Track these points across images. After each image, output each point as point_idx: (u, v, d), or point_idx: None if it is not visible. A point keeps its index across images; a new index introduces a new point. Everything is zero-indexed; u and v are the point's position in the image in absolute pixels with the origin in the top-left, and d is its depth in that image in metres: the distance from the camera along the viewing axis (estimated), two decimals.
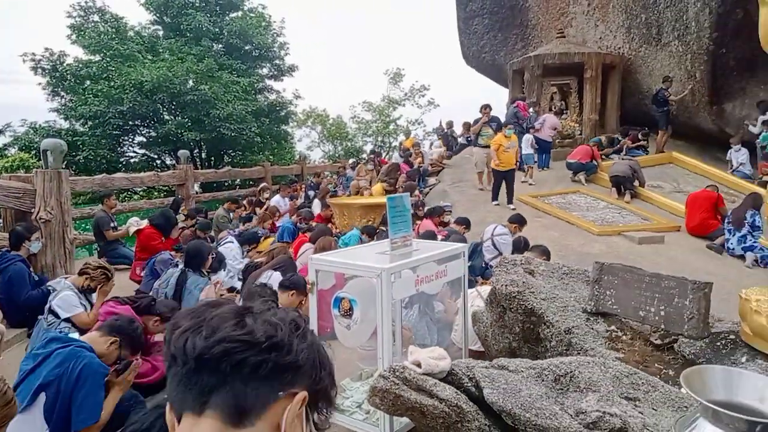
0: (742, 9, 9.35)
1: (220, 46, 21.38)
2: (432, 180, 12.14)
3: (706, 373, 1.73)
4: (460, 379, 2.26)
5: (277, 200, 11.12)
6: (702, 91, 10.81)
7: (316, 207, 10.15)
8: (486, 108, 10.80)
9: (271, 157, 21.95)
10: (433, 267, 2.91)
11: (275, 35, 22.54)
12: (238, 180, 18.65)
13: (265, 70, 23.10)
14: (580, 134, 12.58)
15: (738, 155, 10.63)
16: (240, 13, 22.12)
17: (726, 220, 7.90)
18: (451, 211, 8.28)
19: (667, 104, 11.12)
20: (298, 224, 8.31)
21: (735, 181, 10.14)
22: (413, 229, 7.02)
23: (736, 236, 7.58)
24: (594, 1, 12.52)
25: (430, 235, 5.89)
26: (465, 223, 7.12)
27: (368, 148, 30.13)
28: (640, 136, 11.87)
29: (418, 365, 2.25)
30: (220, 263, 5.95)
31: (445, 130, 16.29)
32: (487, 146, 10.29)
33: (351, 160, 17.70)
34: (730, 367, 2.01)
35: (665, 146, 11.69)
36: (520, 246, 5.79)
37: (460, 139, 15.56)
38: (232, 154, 21.99)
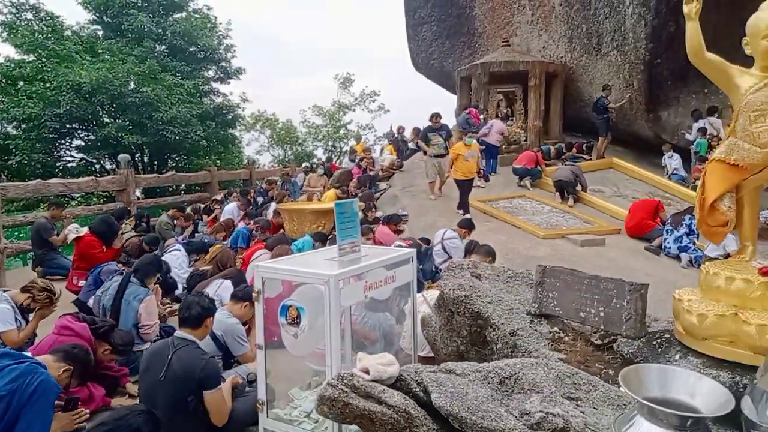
0: (674, 22, 9.88)
1: (164, 47, 20.75)
2: (383, 185, 12.18)
3: (642, 371, 1.81)
4: (408, 384, 2.26)
5: (232, 209, 10.61)
6: (639, 99, 11.34)
7: (271, 213, 9.96)
8: (436, 117, 10.64)
9: (217, 161, 21.47)
10: (382, 272, 2.90)
11: (221, 37, 22.12)
12: (183, 185, 18.13)
13: (210, 73, 22.61)
14: (526, 140, 12.94)
15: (671, 161, 11.24)
16: (184, 14, 21.55)
17: (666, 223, 8.31)
18: (407, 220, 8.32)
19: (606, 112, 11.61)
20: (254, 231, 8.16)
21: (671, 185, 10.69)
22: (371, 234, 7.10)
23: (673, 236, 7.97)
24: (537, 11, 12.93)
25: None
26: (468, 226, 7.34)
27: (319, 152, 29.99)
28: (584, 148, 12.37)
29: (367, 372, 2.23)
30: (170, 287, 5.80)
31: (396, 136, 16.40)
32: (440, 155, 10.18)
33: (305, 164, 17.49)
34: (664, 365, 2.10)
35: (605, 152, 12.19)
36: (470, 250, 5.89)
37: (410, 144, 15.71)
38: (177, 159, 21.38)
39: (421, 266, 6.67)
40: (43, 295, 4.01)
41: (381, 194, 11.51)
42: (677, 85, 10.96)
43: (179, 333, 3.21)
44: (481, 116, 12.31)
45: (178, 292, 6.07)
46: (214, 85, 22.93)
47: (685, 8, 2.13)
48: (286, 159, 29.87)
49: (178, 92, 18.46)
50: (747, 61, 2.21)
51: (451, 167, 9.66)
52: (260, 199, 11.80)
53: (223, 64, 22.50)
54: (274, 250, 5.58)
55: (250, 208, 10.84)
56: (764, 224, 8.34)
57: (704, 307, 2.10)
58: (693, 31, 2.13)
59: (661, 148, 11.52)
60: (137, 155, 19.71)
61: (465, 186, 9.48)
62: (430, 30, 16.01)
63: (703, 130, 10.53)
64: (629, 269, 7.49)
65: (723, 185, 2.10)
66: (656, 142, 11.73)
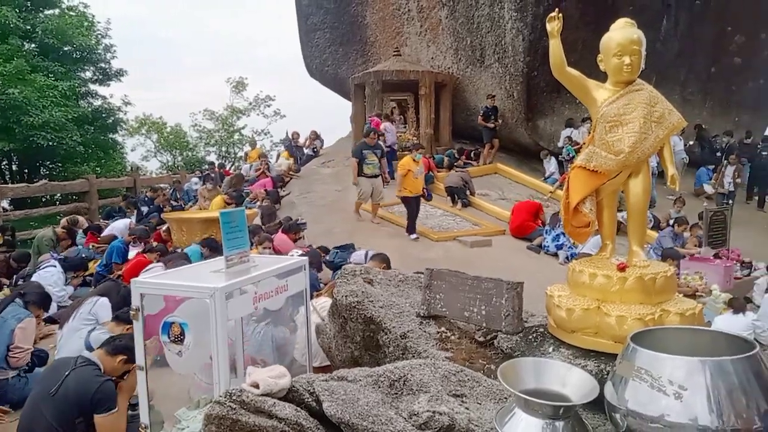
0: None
1: (33, 45, 18.93)
2: (280, 192, 11.98)
3: (518, 365, 1.92)
4: (301, 395, 2.23)
5: (122, 228, 9.23)
6: (519, 109, 12.16)
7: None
8: (373, 133, 9.91)
9: (97, 168, 19.88)
10: (274, 282, 2.84)
11: (99, 36, 20.57)
12: (59, 195, 16.57)
13: (88, 74, 20.94)
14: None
15: (549, 165, 12.20)
16: (57, 11, 19.79)
17: (545, 224, 8.98)
18: (305, 228, 8.23)
19: (489, 120, 12.37)
20: (131, 243, 7.61)
21: (548, 188, 11.59)
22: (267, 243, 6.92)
23: (551, 235, 8.63)
24: (425, 23, 13.42)
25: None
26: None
27: (211, 158, 28.81)
28: (472, 155, 13.07)
29: (257, 386, 2.17)
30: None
31: (291, 141, 16.21)
32: (375, 176, 9.47)
33: (197, 171, 16.65)
34: (538, 357, 2.26)
35: (492, 158, 12.95)
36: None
37: (306, 150, 15.59)
38: (50, 166, 19.56)
39: (338, 251, 6.64)
40: None
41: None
42: (552, 96, 11.90)
43: (87, 353, 3.07)
44: (383, 125, 12.19)
45: (53, 311, 5.56)
46: (93, 87, 21.28)
47: (548, 26, 2.32)
48: (176, 165, 28.36)
49: (50, 94, 16.90)
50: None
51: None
52: (145, 209, 11.07)
53: (102, 65, 20.95)
54: (170, 264, 5.24)
55: (137, 218, 10.15)
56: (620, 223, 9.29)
57: (572, 302, 2.29)
58: (555, 48, 2.32)
59: (539, 154, 12.48)
60: (4, 163, 17.83)
61: (413, 204, 9.02)
62: (324, 37, 16.03)
63: (570, 138, 11.57)
64: (514, 268, 7.98)
65: (584, 189, 2.31)
66: (535, 148, 12.66)
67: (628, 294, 2.20)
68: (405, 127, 13.75)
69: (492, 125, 12.40)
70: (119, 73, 21.34)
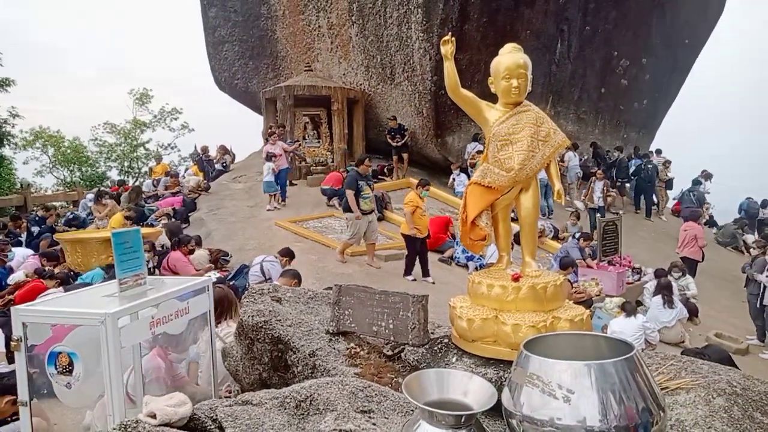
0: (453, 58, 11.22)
1: None
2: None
3: (422, 377, 1.95)
4: (203, 423, 2.14)
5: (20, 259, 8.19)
6: (428, 125, 12.56)
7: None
8: (367, 161, 8.85)
9: None
10: (174, 305, 2.72)
11: None
12: None
13: None
14: (332, 162, 13.40)
15: (459, 179, 12.68)
16: None
17: (455, 236, 9.30)
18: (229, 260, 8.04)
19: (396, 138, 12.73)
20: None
21: (457, 201, 12.01)
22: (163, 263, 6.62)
23: (461, 247, 8.94)
24: (336, 40, 13.56)
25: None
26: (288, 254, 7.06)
27: (112, 174, 27.13)
28: (386, 170, 13.35)
29: (154, 416, 2.07)
30: None
31: (200, 155, 15.66)
32: (371, 211, 8.45)
33: (95, 189, 15.54)
34: (442, 368, 2.32)
35: (404, 173, 13.25)
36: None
37: (217, 165, 15.13)
38: None
39: (233, 282, 6.51)
40: None
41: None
42: (459, 114, 12.40)
43: None
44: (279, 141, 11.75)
45: None
46: None
47: (442, 49, 2.42)
48: (73, 181, 26.40)
49: None
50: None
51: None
52: (35, 229, 10.20)
53: None
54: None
55: (27, 239, 9.31)
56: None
57: (472, 312, 2.38)
58: (450, 70, 2.43)
59: (449, 169, 12.93)
60: None
61: (418, 245, 8.18)
62: (232, 50, 15.71)
63: (480, 151, 12.12)
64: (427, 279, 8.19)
65: (480, 204, 2.43)
66: (445, 163, 13.10)
67: (523, 303, 2.31)
68: (318, 141, 13.75)
69: (395, 143, 12.78)
70: (5, 83, 19.63)
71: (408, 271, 8.16)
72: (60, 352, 2.36)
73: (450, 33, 2.56)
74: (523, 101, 2.43)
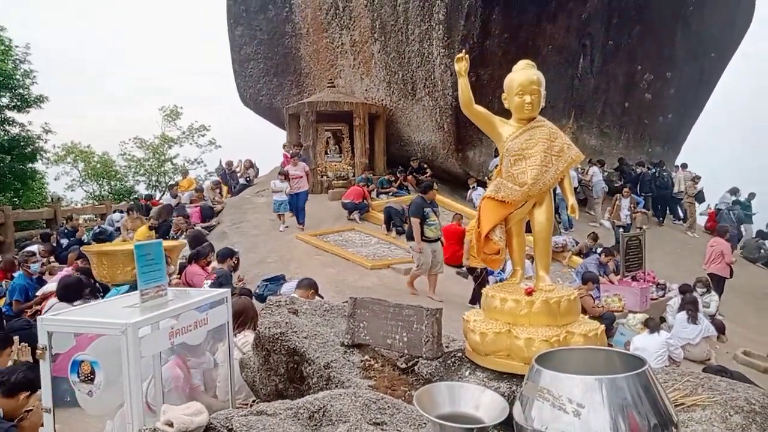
0: (474, 73, 11.25)
1: None
2: (212, 221, 11.71)
3: (434, 390, 1.97)
4: None
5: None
6: (449, 140, 12.59)
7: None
8: (432, 189, 8.37)
9: (15, 199, 18.66)
10: (193, 316, 2.78)
11: (18, 62, 19.55)
12: None
13: (5, 100, 19.76)
14: (354, 176, 13.51)
15: (476, 192, 12.65)
16: None
17: None
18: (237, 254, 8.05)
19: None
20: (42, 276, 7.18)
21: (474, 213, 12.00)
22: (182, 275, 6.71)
23: None
24: (359, 56, 13.74)
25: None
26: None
27: (141, 188, 27.75)
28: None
29: (171, 425, 2.11)
30: None
31: (225, 170, 15.96)
32: (437, 239, 8.07)
33: (122, 203, 15.91)
34: (455, 382, 2.32)
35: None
36: None
37: (241, 180, 15.38)
38: None
39: (267, 283, 6.45)
40: None
41: (209, 231, 11.02)
42: (479, 129, 12.38)
43: None
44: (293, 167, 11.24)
45: None
46: (9, 113, 20.07)
47: (456, 66, 2.46)
48: (102, 195, 27.09)
49: None
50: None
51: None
52: (65, 241, 10.48)
53: (21, 91, 19.84)
54: None
55: (57, 250, 9.57)
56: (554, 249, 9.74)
57: (485, 326, 2.38)
58: (464, 86, 2.46)
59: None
60: None
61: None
62: (257, 67, 16.04)
63: (497, 166, 12.13)
64: (447, 293, 8.18)
65: (494, 219, 2.44)
66: (466, 177, 13.10)
67: (536, 317, 2.31)
68: (340, 156, 13.89)
69: (419, 178, 13.16)
70: (40, 99, 20.30)
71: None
72: (82, 361, 2.43)
73: (469, 49, 2.59)
74: (536, 117, 2.46)
